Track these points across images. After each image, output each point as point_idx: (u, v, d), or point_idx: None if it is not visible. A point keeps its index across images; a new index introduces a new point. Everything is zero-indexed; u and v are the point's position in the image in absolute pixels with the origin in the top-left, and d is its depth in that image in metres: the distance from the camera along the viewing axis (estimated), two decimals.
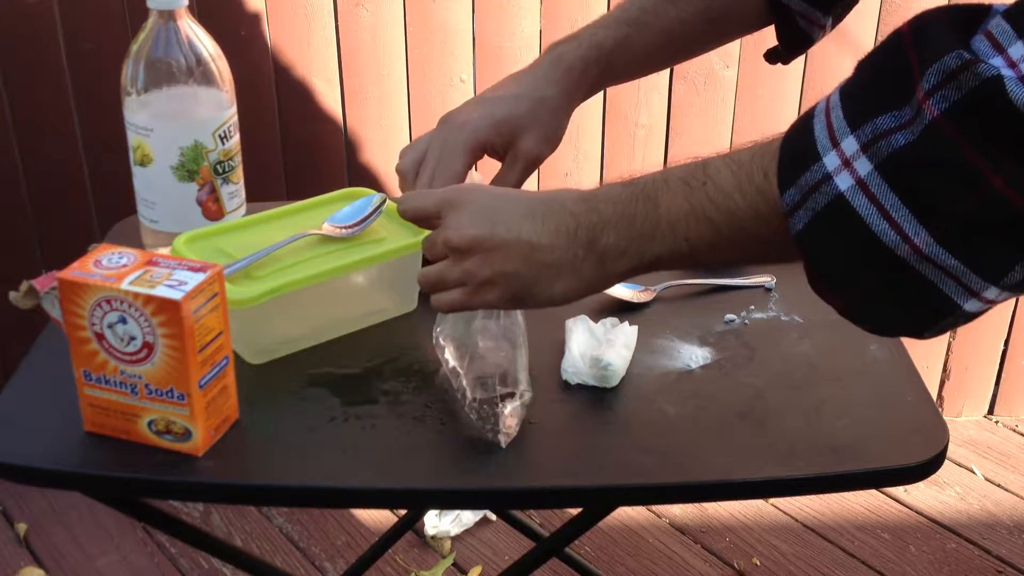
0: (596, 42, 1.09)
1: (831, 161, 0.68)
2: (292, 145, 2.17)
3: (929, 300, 0.69)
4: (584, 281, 0.85)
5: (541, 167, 1.13)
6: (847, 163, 0.68)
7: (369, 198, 1.14)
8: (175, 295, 0.87)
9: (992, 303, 0.69)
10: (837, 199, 0.68)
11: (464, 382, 0.97)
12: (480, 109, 1.07)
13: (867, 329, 0.76)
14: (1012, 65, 0.61)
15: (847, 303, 0.73)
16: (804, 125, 0.72)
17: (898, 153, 0.65)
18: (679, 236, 0.79)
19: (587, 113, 2.18)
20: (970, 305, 0.68)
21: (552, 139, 1.09)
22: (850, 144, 0.68)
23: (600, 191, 0.85)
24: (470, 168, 1.07)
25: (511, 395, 0.96)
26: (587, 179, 2.25)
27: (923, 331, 0.72)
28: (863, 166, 0.67)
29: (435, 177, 1.04)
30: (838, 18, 1.13)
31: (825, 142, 0.69)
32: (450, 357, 1.00)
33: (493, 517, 2.14)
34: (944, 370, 2.46)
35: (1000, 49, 0.62)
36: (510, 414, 0.95)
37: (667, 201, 0.79)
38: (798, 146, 0.71)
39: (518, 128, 1.06)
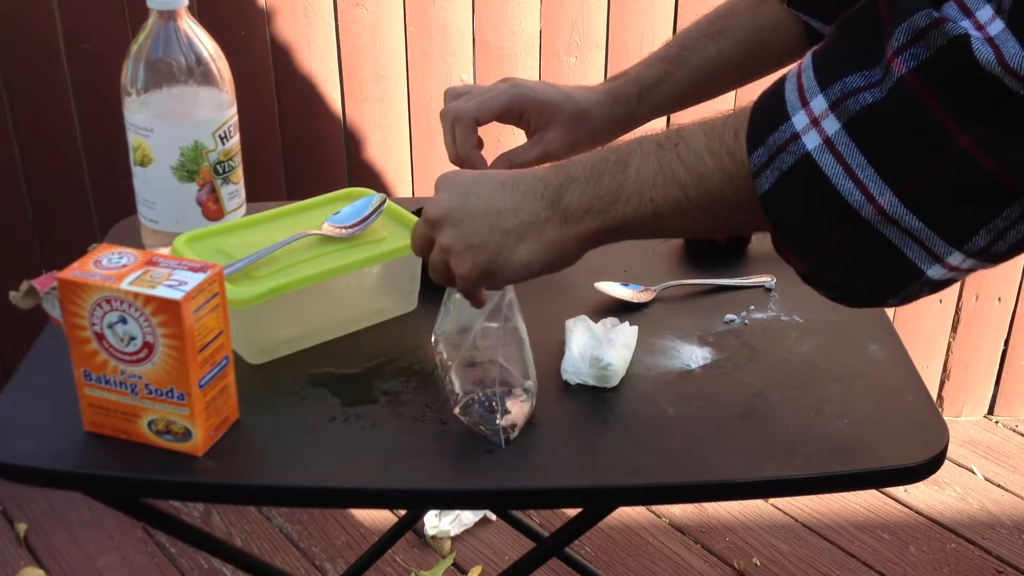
0: (640, 79, 1.12)
1: (800, 120, 0.69)
2: (292, 145, 2.17)
3: (892, 264, 0.69)
4: (546, 243, 0.84)
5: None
6: (815, 122, 0.68)
7: (369, 198, 1.14)
8: (175, 295, 0.86)
9: (957, 271, 0.69)
10: (804, 158, 0.68)
11: (456, 384, 0.97)
12: (540, 85, 1.11)
13: (831, 297, 0.75)
14: (980, 28, 0.61)
15: (810, 266, 0.73)
16: (776, 88, 0.72)
17: (866, 111, 0.66)
18: (645, 196, 0.78)
19: None
20: (934, 271, 0.68)
21: (577, 150, 1.12)
22: (819, 103, 0.68)
23: (575, 157, 0.85)
24: (505, 112, 1.09)
25: (509, 394, 0.96)
26: None
27: (886, 298, 0.72)
28: (831, 124, 0.67)
29: (471, 100, 1.07)
30: None
31: (795, 101, 0.69)
32: (448, 359, 1.00)
33: (493, 517, 2.14)
34: (944, 370, 2.46)
35: (968, 13, 0.63)
36: (512, 412, 0.95)
37: (637, 162, 0.79)
38: (769, 107, 0.72)
39: (557, 119, 1.09)
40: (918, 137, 0.64)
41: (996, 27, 0.61)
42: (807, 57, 0.71)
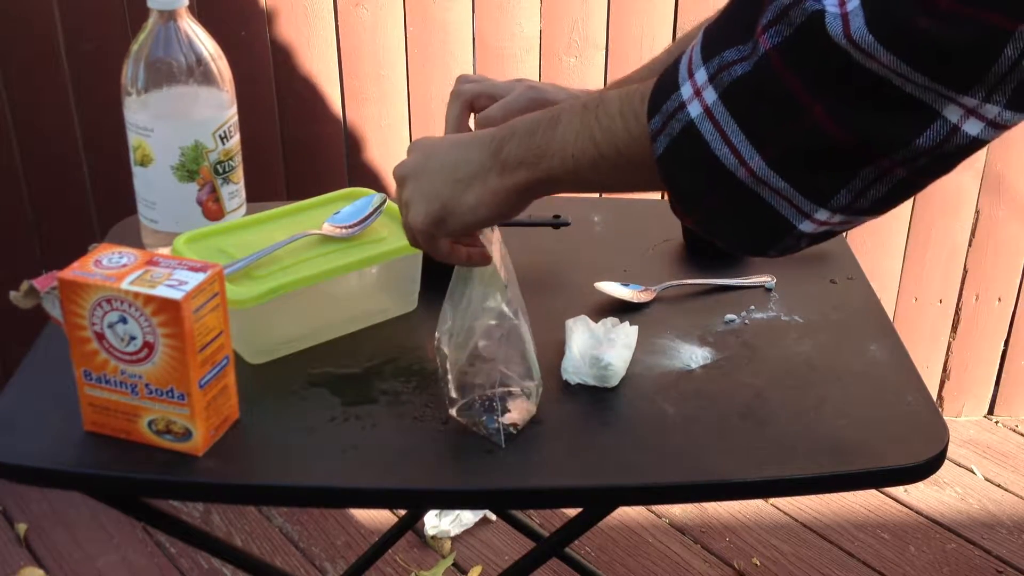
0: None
1: (686, 90, 0.74)
2: (292, 145, 2.17)
3: (768, 220, 0.74)
4: (489, 190, 0.89)
5: None
6: (698, 92, 0.73)
7: (369, 198, 1.14)
8: (175, 295, 0.87)
9: (828, 224, 0.74)
10: (688, 126, 0.74)
11: (457, 385, 0.97)
12: (554, 88, 1.13)
13: (720, 245, 0.81)
14: (841, 4, 0.65)
15: (696, 220, 0.79)
16: (676, 60, 0.77)
17: (736, 83, 0.71)
18: (568, 152, 0.84)
19: None
20: (805, 226, 0.74)
21: None
22: (701, 75, 0.73)
23: (524, 115, 0.91)
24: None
25: (509, 394, 0.96)
26: None
27: (766, 249, 0.78)
28: (710, 95, 0.72)
29: (496, 107, 1.10)
30: None
31: (684, 73, 0.75)
32: (449, 360, 1.00)
33: (493, 517, 2.14)
34: (944, 370, 2.46)
35: None
36: (513, 412, 0.95)
37: (566, 120, 0.85)
38: (667, 77, 0.77)
39: None
40: (778, 108, 0.69)
41: (853, 3, 0.64)
42: (701, 31, 0.76)
